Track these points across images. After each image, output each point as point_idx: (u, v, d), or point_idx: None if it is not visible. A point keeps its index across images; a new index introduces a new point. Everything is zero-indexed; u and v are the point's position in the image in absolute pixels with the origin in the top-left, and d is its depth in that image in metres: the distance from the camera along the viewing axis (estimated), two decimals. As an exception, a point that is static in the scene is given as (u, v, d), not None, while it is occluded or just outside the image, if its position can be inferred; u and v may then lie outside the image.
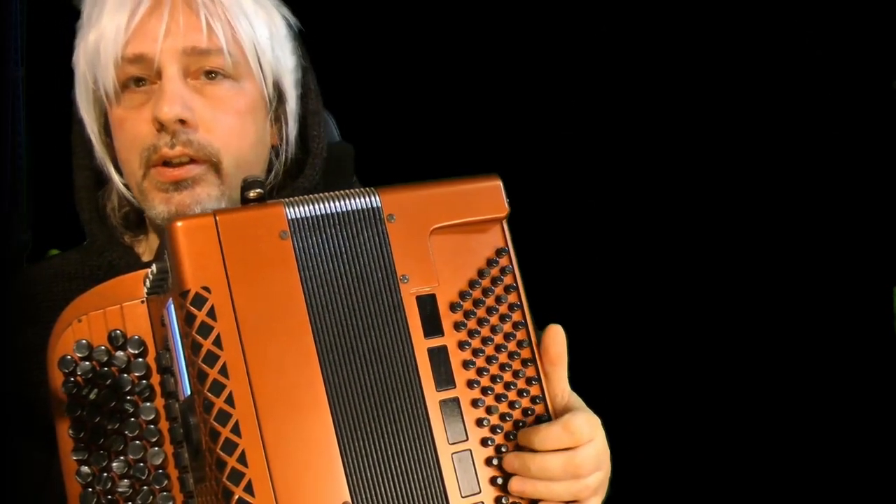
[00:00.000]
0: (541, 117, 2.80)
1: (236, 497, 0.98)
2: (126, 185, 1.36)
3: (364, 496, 1.02)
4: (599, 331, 2.61)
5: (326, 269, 1.06)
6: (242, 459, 0.98)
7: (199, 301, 1.00)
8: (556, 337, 1.13)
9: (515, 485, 1.08)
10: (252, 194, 1.08)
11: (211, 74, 1.28)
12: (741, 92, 2.78)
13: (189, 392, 1.04)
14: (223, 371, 0.99)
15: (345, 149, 1.48)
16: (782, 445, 2.79)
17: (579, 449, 1.08)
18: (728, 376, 2.79)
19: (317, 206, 1.07)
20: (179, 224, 1.02)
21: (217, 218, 1.03)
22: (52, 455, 1.23)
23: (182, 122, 1.26)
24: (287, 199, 1.07)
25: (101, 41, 1.28)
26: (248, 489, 0.98)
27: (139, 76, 1.28)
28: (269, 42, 1.32)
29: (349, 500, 1.01)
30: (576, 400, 1.14)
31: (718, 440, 2.80)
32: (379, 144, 1.87)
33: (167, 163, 1.27)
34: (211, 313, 1.00)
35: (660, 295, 2.83)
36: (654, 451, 2.70)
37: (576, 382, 1.18)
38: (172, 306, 1.05)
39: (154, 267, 1.07)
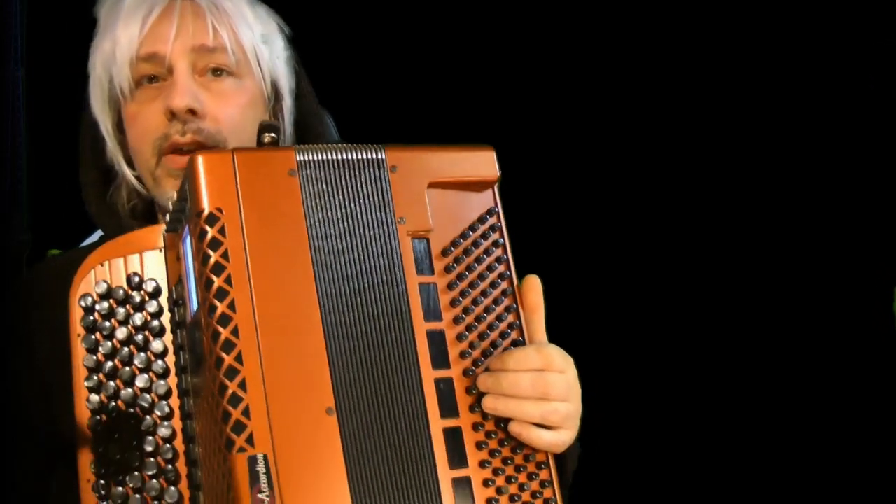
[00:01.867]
0: (537, 118, 2.85)
1: (230, 391, 1.05)
2: (137, 178, 1.48)
3: (346, 403, 1.09)
4: (598, 329, 2.64)
5: (329, 203, 1.16)
6: (239, 359, 1.06)
7: (212, 219, 1.11)
8: (533, 286, 1.22)
9: (488, 402, 1.15)
10: (267, 138, 1.20)
11: (217, 72, 1.43)
12: (741, 92, 2.83)
13: (196, 307, 1.13)
14: (228, 280, 1.09)
15: None
16: (782, 445, 2.76)
17: (549, 372, 1.16)
18: (728, 376, 2.78)
19: (325, 154, 1.18)
20: (201, 156, 1.14)
21: (234, 154, 1.15)
22: (51, 441, 1.33)
23: (192, 112, 1.40)
24: (298, 146, 1.18)
25: (117, 46, 1.43)
26: (242, 385, 1.05)
27: (152, 74, 1.43)
28: (266, 47, 1.48)
29: (332, 405, 1.08)
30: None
31: (718, 440, 2.77)
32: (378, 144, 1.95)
33: (177, 150, 1.40)
34: (222, 231, 1.11)
35: (659, 296, 2.84)
36: (647, 442, 2.69)
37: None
38: (188, 233, 1.15)
39: (175, 195, 1.18)
